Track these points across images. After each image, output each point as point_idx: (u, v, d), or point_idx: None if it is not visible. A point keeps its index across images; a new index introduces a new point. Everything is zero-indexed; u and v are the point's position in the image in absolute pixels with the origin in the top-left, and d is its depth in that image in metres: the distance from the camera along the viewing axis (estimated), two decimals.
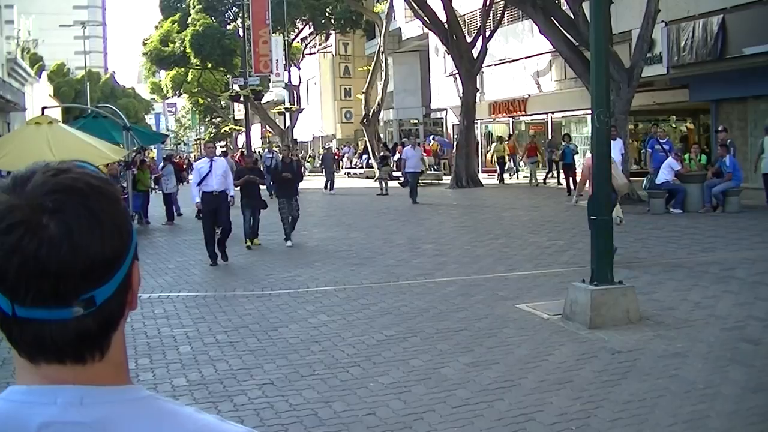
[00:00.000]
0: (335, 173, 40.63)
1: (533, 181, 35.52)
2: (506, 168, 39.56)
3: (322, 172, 42.04)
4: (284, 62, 50.49)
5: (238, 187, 17.89)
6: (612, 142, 13.13)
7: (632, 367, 8.14)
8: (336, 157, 53.10)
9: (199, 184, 16.11)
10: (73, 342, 1.24)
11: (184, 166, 60.83)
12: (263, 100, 60.19)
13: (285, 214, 18.27)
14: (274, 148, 39.60)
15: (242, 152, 43.20)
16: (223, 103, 78.61)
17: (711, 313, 10.32)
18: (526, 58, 37.64)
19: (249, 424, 6.78)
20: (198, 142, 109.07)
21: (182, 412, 1.32)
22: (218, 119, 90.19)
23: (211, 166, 16.09)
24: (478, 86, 37.63)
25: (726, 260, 14.12)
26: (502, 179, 38.60)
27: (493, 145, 40.21)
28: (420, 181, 39.56)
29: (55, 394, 1.24)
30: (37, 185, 1.23)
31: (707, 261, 14.18)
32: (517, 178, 39.94)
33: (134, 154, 24.67)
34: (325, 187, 37.10)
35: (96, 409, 1.24)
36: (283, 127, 56.13)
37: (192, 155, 66.06)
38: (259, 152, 48.77)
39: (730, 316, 10.11)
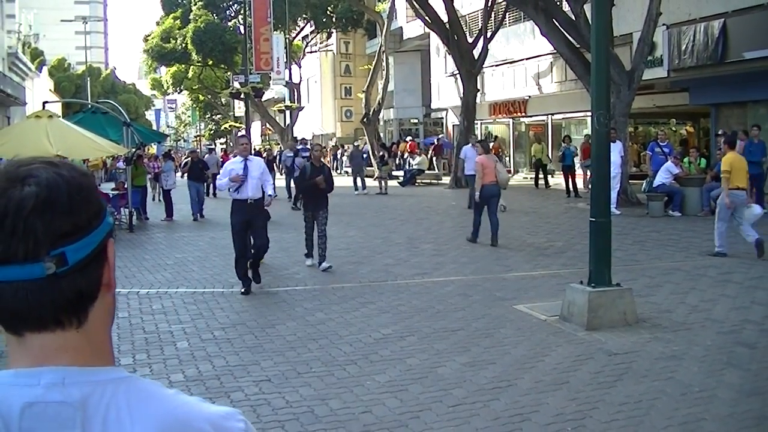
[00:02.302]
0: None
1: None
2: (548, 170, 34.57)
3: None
4: (285, 60, 50.45)
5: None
6: (612, 144, 13.20)
7: (628, 369, 8.16)
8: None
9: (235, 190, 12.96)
10: (49, 306, 1.31)
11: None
12: (264, 98, 60.05)
13: (310, 229, 15.02)
14: (306, 145, 36.82)
15: (266, 150, 42.70)
16: (223, 100, 78.49)
17: (708, 316, 10.35)
18: (527, 59, 37.65)
19: None
20: (198, 138, 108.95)
21: (161, 392, 1.38)
22: (218, 116, 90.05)
23: (245, 167, 12.85)
24: (479, 87, 37.61)
25: (723, 264, 14.15)
26: (538, 183, 34.23)
27: (533, 146, 36.18)
28: (418, 181, 39.70)
29: (39, 375, 1.30)
30: (14, 163, 1.36)
31: (705, 264, 14.20)
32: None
33: (134, 150, 24.63)
34: (356, 188, 34.88)
35: (77, 389, 1.30)
36: (283, 125, 56.09)
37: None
38: (265, 148, 48.46)
39: (726, 319, 10.14)
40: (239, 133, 17.01)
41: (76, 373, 1.31)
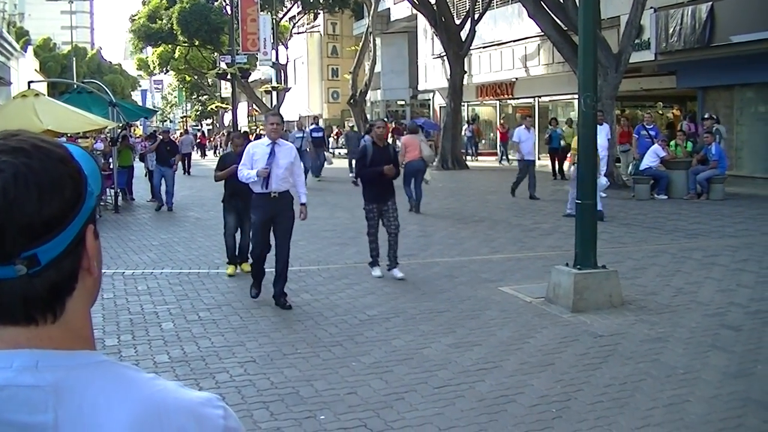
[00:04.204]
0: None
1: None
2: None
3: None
4: (272, 41, 50.22)
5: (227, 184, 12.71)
6: (598, 126, 13.20)
7: (614, 351, 8.18)
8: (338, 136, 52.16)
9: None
10: (20, 304, 1.25)
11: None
12: (250, 79, 60.02)
13: (374, 227, 12.23)
14: (319, 124, 35.36)
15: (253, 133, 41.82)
16: (210, 80, 78.21)
17: (693, 299, 10.38)
18: (514, 41, 37.57)
19: (230, 402, 6.78)
20: (184, 119, 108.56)
21: (139, 377, 1.33)
22: (205, 97, 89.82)
23: (272, 153, 10.43)
24: (466, 68, 37.59)
25: (709, 247, 14.20)
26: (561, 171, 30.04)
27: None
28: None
29: (11, 358, 1.25)
30: None
31: (690, 247, 14.24)
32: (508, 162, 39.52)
33: (120, 130, 24.50)
34: (351, 171, 32.78)
35: (51, 372, 1.25)
36: (269, 106, 55.90)
37: (178, 133, 65.93)
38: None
39: (712, 302, 10.18)
40: (270, 111, 11.78)
41: (50, 357, 1.26)
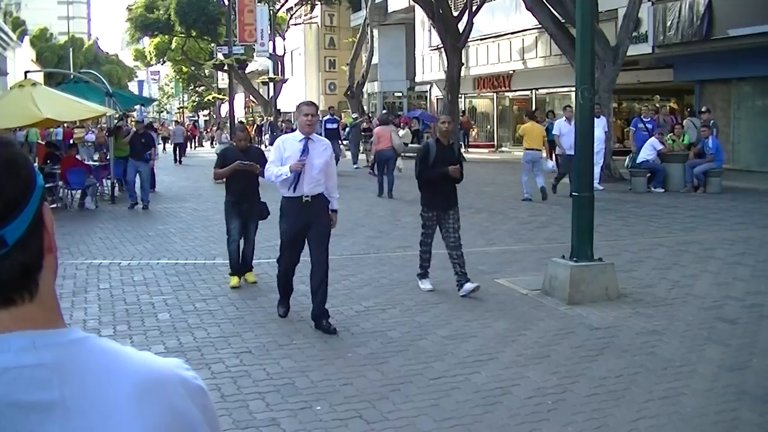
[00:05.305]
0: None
1: None
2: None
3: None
4: (269, 32, 50.16)
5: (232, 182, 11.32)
6: (596, 119, 13.19)
7: (609, 343, 8.18)
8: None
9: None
10: None
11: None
12: (247, 70, 59.91)
13: (431, 237, 10.88)
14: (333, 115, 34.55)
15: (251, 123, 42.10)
16: (206, 71, 78.13)
17: (689, 292, 10.39)
18: (512, 33, 37.56)
19: (226, 392, 6.80)
20: (181, 110, 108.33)
21: (122, 350, 1.37)
22: (202, 88, 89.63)
23: (305, 149, 8.88)
24: (463, 60, 37.51)
25: (706, 240, 14.20)
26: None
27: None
28: (402, 154, 39.48)
29: (7, 341, 1.26)
30: None
31: (687, 240, 14.25)
32: None
33: (116, 120, 24.44)
34: (354, 162, 34.07)
35: (49, 351, 1.27)
36: (266, 98, 55.85)
37: (173, 124, 65.66)
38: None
39: (708, 295, 10.18)
40: (303, 101, 9.51)
41: (43, 336, 1.28)
